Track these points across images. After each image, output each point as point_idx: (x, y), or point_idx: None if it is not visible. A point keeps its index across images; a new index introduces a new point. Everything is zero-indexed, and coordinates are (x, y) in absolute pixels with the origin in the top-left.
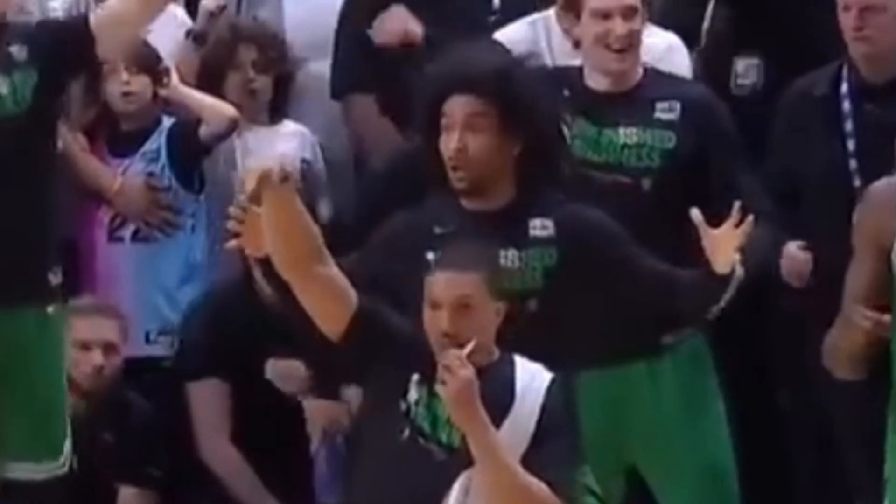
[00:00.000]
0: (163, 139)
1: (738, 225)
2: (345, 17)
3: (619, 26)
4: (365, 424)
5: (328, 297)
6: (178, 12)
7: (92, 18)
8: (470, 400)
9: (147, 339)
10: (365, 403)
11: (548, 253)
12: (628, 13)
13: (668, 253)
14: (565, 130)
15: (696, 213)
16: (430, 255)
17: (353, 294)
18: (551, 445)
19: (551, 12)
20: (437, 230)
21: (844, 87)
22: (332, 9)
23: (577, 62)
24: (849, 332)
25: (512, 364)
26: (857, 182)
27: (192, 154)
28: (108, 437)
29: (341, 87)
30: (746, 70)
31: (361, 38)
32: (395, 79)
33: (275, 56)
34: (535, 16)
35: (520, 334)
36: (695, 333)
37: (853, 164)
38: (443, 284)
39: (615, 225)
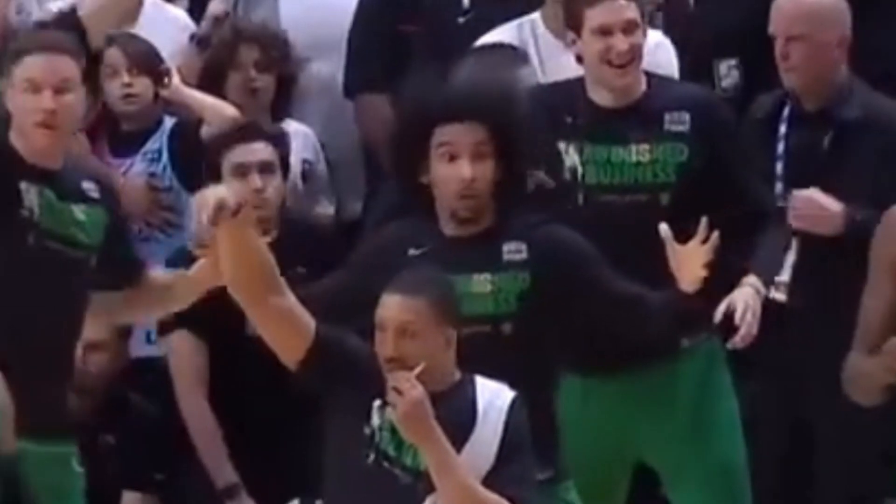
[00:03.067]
0: (164, 139)
1: (704, 241)
2: (358, 17)
3: (620, 42)
4: (330, 449)
5: (284, 326)
6: (181, 14)
7: (81, 11)
8: (421, 418)
9: (148, 340)
10: (329, 428)
11: (521, 276)
12: (629, 28)
13: None
14: (571, 159)
15: (664, 229)
16: None
17: (310, 323)
18: (515, 463)
19: (537, 15)
20: (412, 252)
21: (786, 112)
22: (328, 8)
23: (565, 62)
24: (871, 373)
25: (473, 385)
26: (780, 203)
27: (193, 154)
28: (109, 439)
29: (353, 86)
30: (728, 71)
31: (374, 38)
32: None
33: (277, 56)
34: (522, 19)
35: (496, 357)
36: (711, 335)
37: (779, 186)
38: (388, 308)
39: (588, 246)
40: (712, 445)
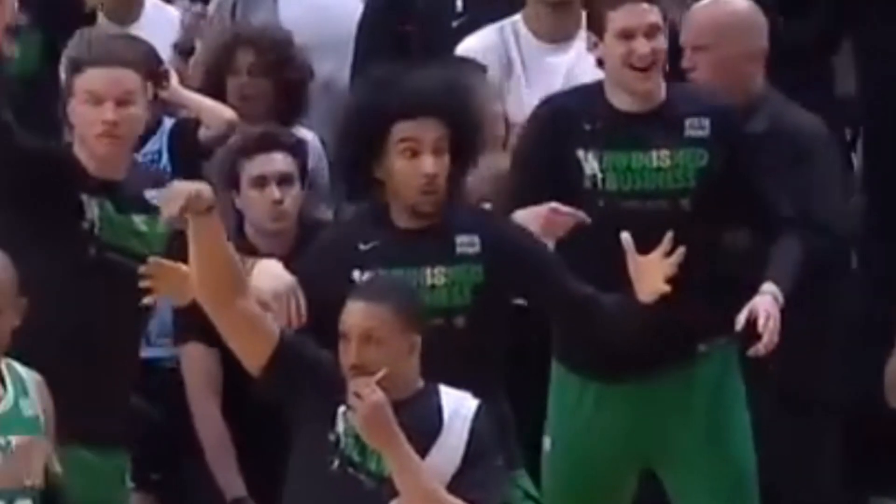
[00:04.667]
0: (164, 140)
1: (667, 255)
2: (365, 18)
3: (642, 45)
4: (295, 455)
5: (248, 331)
6: (179, 16)
7: None
8: (381, 423)
9: (148, 342)
10: (295, 434)
11: (475, 269)
12: (651, 31)
13: (706, 267)
14: (591, 166)
15: (625, 237)
16: (356, 274)
17: (274, 328)
18: (479, 468)
19: (518, 17)
20: (362, 246)
21: None
22: (327, 9)
23: (546, 63)
24: None
25: (437, 393)
26: None
27: (193, 155)
28: None
29: None
30: None
31: (380, 39)
32: None
33: (274, 60)
34: (503, 21)
35: (448, 351)
36: (728, 341)
37: None
38: (352, 315)
39: (540, 241)
40: (725, 452)
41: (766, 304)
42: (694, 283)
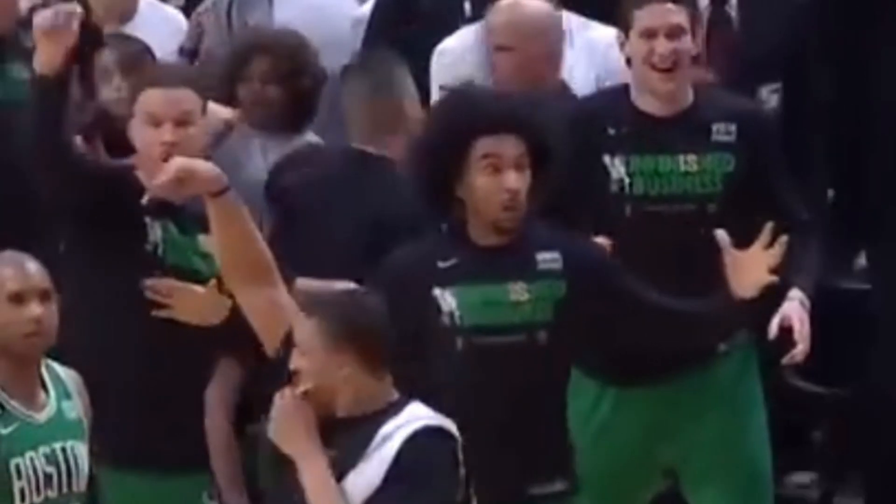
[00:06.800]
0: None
1: (767, 246)
2: (372, 21)
3: (662, 45)
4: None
5: (269, 319)
6: (177, 14)
7: None
8: (290, 430)
9: None
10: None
11: (557, 285)
12: (674, 32)
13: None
14: (617, 171)
15: (721, 234)
16: (437, 291)
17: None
18: (396, 490)
19: None
20: (441, 264)
21: None
22: (322, 10)
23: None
24: None
25: (393, 414)
26: None
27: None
28: None
29: None
30: (769, 96)
31: (387, 42)
32: (421, 84)
33: (287, 68)
34: (482, 21)
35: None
36: (748, 341)
37: None
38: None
39: (615, 259)
40: (742, 451)
41: (797, 310)
42: (718, 287)
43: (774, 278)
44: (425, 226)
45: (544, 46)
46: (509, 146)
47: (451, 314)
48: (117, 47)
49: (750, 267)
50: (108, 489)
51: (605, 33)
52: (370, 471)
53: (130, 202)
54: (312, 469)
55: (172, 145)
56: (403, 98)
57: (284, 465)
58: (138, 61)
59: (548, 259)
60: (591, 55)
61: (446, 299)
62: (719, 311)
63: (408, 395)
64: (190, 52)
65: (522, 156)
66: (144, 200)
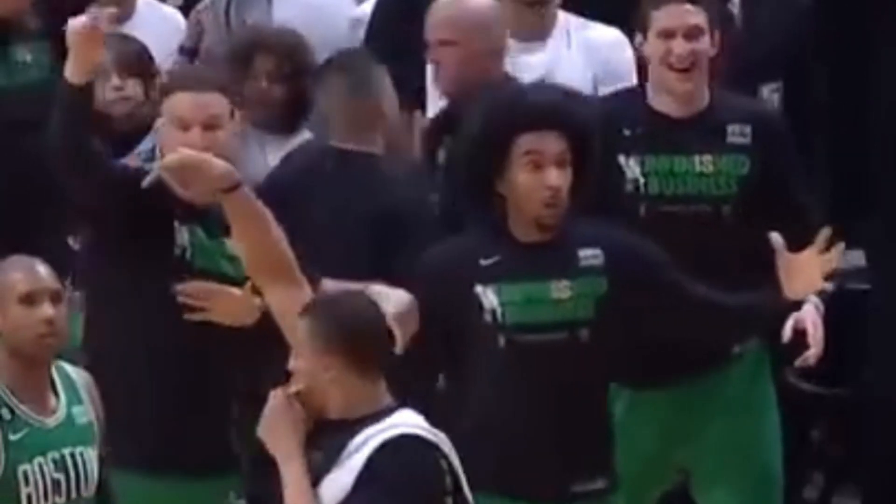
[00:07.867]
0: (158, 138)
1: (823, 251)
2: (373, 20)
3: (679, 46)
4: None
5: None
6: (175, 14)
7: None
8: (275, 429)
9: None
10: None
11: (599, 281)
12: (692, 33)
13: (747, 275)
14: (632, 171)
15: (776, 237)
16: (479, 288)
17: None
18: (360, 499)
19: None
20: (483, 262)
21: None
22: (320, 9)
23: (523, 62)
24: None
25: (377, 420)
26: None
27: None
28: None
29: None
30: (769, 95)
31: (388, 46)
32: (422, 86)
33: (291, 67)
34: None
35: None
36: (762, 343)
37: None
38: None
39: (661, 252)
40: (753, 453)
41: (811, 314)
42: (732, 288)
43: (828, 285)
44: (415, 220)
45: (487, 41)
46: (551, 143)
47: (494, 312)
48: (114, 47)
49: (805, 270)
50: (139, 493)
51: (605, 33)
52: (343, 477)
53: (158, 207)
54: (290, 471)
55: (202, 149)
56: (381, 98)
57: (271, 465)
58: (136, 61)
59: (589, 256)
60: (588, 55)
61: (488, 297)
62: (767, 309)
63: (402, 402)
64: (190, 51)
65: (564, 152)
66: (144, 184)
